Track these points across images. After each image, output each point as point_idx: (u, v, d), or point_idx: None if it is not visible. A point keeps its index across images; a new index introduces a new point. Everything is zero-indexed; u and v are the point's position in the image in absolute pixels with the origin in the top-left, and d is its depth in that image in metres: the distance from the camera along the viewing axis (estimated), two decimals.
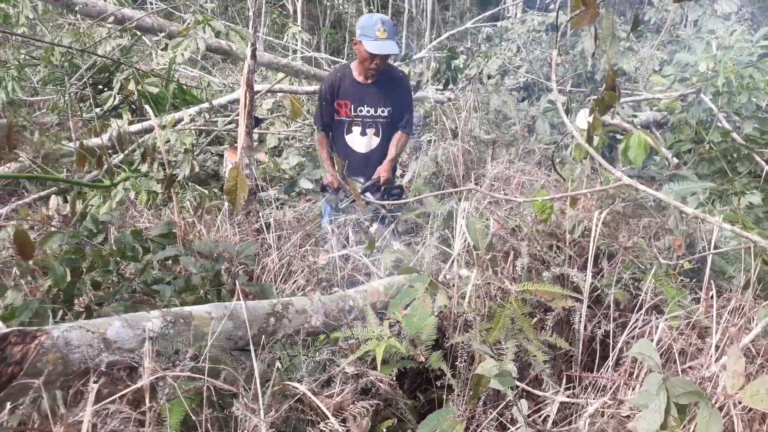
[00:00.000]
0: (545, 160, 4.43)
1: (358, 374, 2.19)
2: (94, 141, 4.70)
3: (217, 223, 3.56)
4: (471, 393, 2.03)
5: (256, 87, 4.43)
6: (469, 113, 4.89)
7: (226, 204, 3.61)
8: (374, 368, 2.21)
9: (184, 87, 5.55)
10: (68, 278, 2.26)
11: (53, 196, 4.05)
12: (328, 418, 1.79)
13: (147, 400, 1.37)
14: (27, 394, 1.44)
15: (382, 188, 3.71)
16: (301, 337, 2.15)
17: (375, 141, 3.74)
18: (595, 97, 5.38)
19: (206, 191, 4.34)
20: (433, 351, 2.28)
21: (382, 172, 3.67)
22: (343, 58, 11.40)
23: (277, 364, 1.97)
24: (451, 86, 5.95)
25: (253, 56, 3.71)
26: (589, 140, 2.37)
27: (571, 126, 2.20)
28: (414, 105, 4.06)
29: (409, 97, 3.85)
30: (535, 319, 2.24)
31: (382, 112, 3.69)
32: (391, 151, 3.74)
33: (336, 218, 3.60)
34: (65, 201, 4.15)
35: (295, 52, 9.34)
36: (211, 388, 1.50)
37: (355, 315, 2.43)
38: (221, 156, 5.16)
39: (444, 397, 2.20)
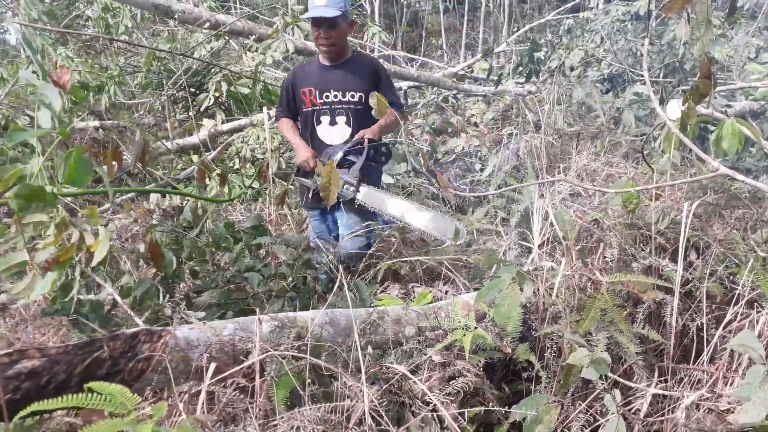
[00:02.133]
0: (632, 153, 4.31)
1: (445, 363, 2.24)
2: (189, 140, 5.00)
3: (306, 217, 3.69)
4: (560, 383, 2.04)
5: None
6: (552, 106, 4.81)
7: None
8: (460, 358, 2.26)
9: (270, 87, 5.77)
10: (174, 265, 2.44)
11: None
12: (421, 402, 1.85)
13: (257, 376, 1.48)
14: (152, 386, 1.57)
15: (369, 151, 3.17)
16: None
17: (347, 131, 3.27)
18: (684, 87, 5.18)
19: (292, 186, 4.51)
20: (519, 344, 2.30)
21: (367, 132, 3.18)
22: (420, 55, 11.45)
23: (369, 348, 2.05)
24: (533, 79, 5.88)
25: None
26: (683, 129, 2.31)
27: (664, 115, 2.16)
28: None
29: (387, 80, 3.39)
30: (625, 312, 2.21)
31: (352, 97, 3.25)
32: (380, 120, 3.22)
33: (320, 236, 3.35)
34: (163, 196, 4.44)
35: (372, 51, 9.47)
36: (314, 367, 1.59)
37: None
38: None
39: (531, 388, 2.21)
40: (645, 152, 2.87)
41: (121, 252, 2.94)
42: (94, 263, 1.34)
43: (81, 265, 2.08)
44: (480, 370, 2.23)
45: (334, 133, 3.28)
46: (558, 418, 1.95)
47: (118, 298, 2.15)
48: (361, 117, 3.25)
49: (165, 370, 1.57)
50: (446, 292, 3.13)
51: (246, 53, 5.25)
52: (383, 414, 1.52)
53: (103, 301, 2.28)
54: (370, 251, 3.12)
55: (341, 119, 3.27)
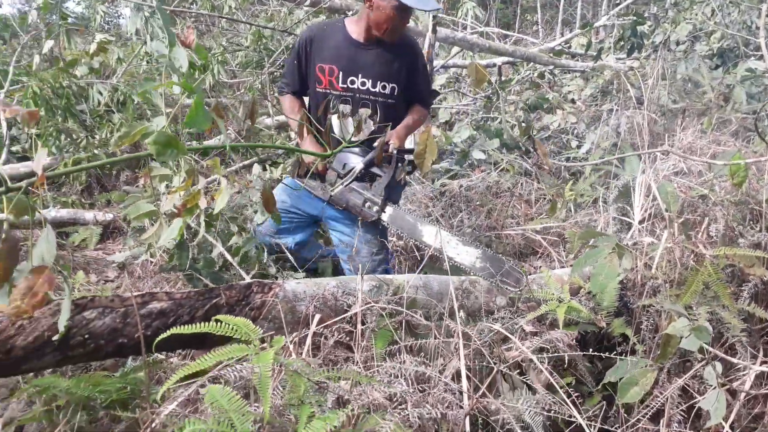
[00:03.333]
0: (743, 131, 4.07)
1: (536, 333, 2.26)
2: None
3: None
4: (656, 358, 2.01)
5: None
6: (656, 81, 4.60)
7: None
8: (553, 329, 2.27)
9: None
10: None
11: (255, 165, 4.58)
12: (512, 367, 1.89)
13: (358, 325, 1.57)
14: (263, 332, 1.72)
15: (397, 160, 2.64)
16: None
17: (369, 128, 2.67)
18: None
19: None
20: (614, 318, 2.28)
21: (393, 137, 2.59)
22: (514, 31, 11.21)
23: (461, 312, 2.11)
24: (635, 54, 5.64)
25: (434, 30, 3.86)
26: None
27: None
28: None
29: (423, 67, 2.80)
30: (729, 289, 2.14)
31: (384, 88, 2.63)
32: (408, 119, 2.72)
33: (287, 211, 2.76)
34: (264, 169, 4.68)
35: (465, 27, 9.37)
36: (409, 327, 1.67)
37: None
38: None
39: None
40: (759, 129, 2.72)
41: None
42: (216, 210, 1.48)
43: (196, 224, 2.26)
44: (573, 342, 2.23)
45: (351, 127, 2.65)
46: (652, 390, 1.93)
47: (228, 256, 2.32)
48: (390, 113, 2.66)
49: (274, 318, 1.70)
50: (539, 267, 3.13)
51: None
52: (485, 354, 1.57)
53: (215, 259, 2.47)
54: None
55: (365, 113, 2.63)
